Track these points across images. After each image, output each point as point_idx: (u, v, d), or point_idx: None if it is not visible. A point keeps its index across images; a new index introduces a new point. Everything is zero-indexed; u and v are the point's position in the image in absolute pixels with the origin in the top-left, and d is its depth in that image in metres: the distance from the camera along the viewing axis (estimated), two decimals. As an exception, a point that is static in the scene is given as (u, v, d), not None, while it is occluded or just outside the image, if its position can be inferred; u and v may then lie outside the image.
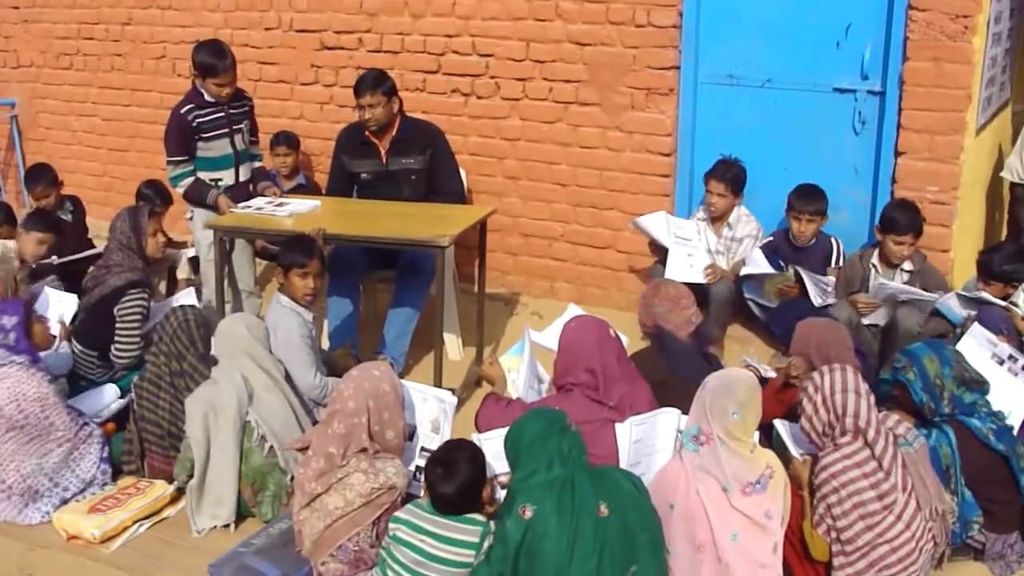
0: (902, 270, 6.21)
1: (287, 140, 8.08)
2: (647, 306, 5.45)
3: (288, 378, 5.45)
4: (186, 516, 5.15)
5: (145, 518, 5.14)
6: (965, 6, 6.00)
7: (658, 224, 6.73)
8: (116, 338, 6.04)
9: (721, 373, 4.55)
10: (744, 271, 6.52)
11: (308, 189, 7.83)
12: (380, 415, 4.58)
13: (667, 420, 4.68)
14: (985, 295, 5.82)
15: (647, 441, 4.66)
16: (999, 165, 7.45)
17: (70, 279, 6.68)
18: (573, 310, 5.65)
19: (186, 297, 6.60)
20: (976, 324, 5.55)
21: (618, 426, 4.64)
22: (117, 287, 6.08)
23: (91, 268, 6.45)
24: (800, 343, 5.19)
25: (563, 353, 4.89)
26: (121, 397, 5.91)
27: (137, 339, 6.08)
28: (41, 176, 7.75)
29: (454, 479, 4.18)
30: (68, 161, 9.76)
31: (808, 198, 6.45)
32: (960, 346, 5.19)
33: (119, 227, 6.28)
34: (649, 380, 4.99)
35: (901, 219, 6.10)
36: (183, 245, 7.81)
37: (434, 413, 5.01)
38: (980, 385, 4.81)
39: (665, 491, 4.28)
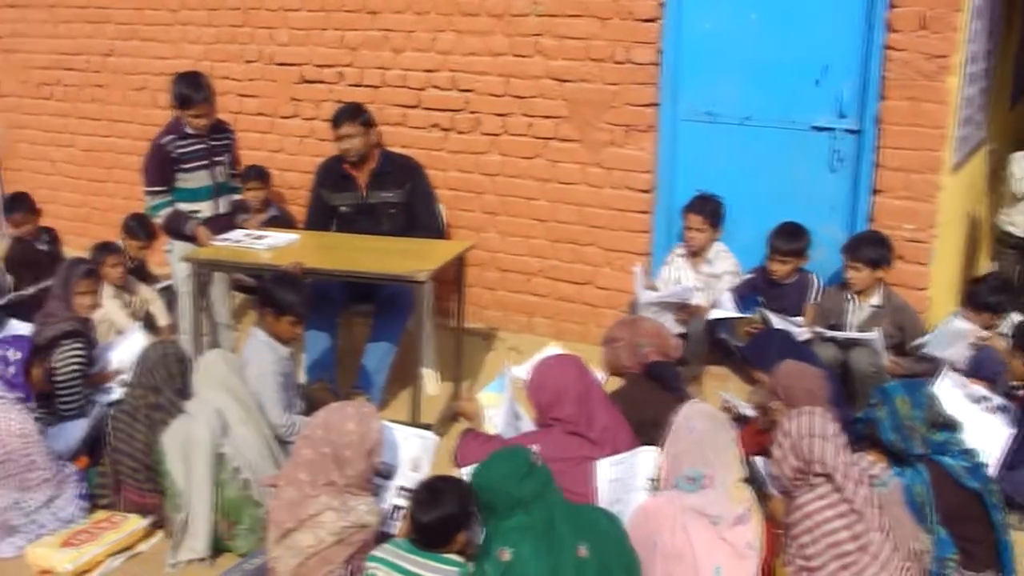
0: (869, 304, 6.24)
1: (258, 175, 8.02)
2: (636, 347, 5.45)
3: (263, 411, 5.44)
4: (161, 550, 5.11)
5: (119, 552, 5.10)
6: (941, 47, 6.06)
7: (637, 281, 6.75)
8: (56, 390, 5.95)
9: (702, 414, 4.57)
10: (712, 315, 6.51)
11: (281, 221, 7.81)
12: (341, 452, 4.52)
13: (646, 458, 4.68)
14: (970, 326, 5.87)
15: (626, 480, 4.64)
16: (976, 203, 7.52)
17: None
18: (552, 349, 5.65)
19: (133, 332, 6.58)
20: (948, 368, 5.61)
21: (598, 465, 4.62)
22: (51, 338, 6.04)
23: (37, 315, 6.40)
24: (772, 386, 5.18)
25: (544, 388, 4.88)
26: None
27: (77, 389, 6.01)
28: (19, 204, 7.77)
29: (434, 508, 4.15)
30: (47, 191, 9.73)
31: (786, 238, 6.47)
32: (935, 388, 5.22)
33: (58, 275, 6.26)
34: (632, 419, 5.00)
35: (854, 243, 6.23)
36: (156, 279, 7.79)
37: (415, 451, 4.99)
38: (952, 427, 4.81)
39: (648, 528, 4.28)
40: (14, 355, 5.41)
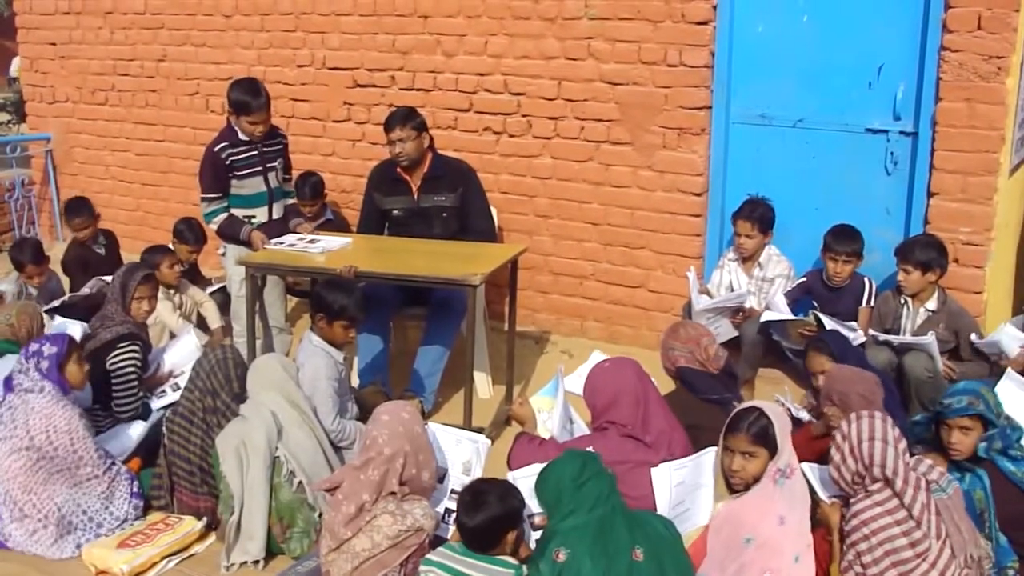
0: (924, 309, 6.17)
1: (312, 193, 7.83)
2: (667, 349, 5.46)
3: (316, 415, 5.46)
4: (215, 552, 5.14)
5: (173, 554, 5.14)
6: (998, 47, 5.99)
7: (691, 287, 6.72)
8: (113, 392, 5.99)
9: (779, 410, 4.60)
10: (765, 317, 6.45)
11: (336, 224, 7.85)
12: (416, 457, 4.55)
13: (708, 459, 4.69)
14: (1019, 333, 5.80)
15: (690, 481, 4.64)
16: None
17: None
18: (597, 356, 5.63)
19: (185, 334, 6.64)
20: (1009, 369, 5.53)
21: (657, 471, 4.60)
22: (107, 341, 6.07)
23: (93, 318, 6.44)
24: (826, 391, 5.14)
25: (601, 391, 4.87)
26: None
27: (134, 391, 6.04)
28: (80, 208, 7.86)
29: (479, 511, 4.16)
30: (101, 195, 9.85)
31: (845, 239, 6.40)
32: (997, 389, 5.14)
33: (115, 280, 6.31)
34: (681, 422, 4.98)
35: (906, 246, 6.18)
36: (208, 282, 7.85)
37: (466, 455, 4.99)
38: (1016, 430, 4.75)
39: (741, 526, 4.29)
40: (49, 349, 5.47)
